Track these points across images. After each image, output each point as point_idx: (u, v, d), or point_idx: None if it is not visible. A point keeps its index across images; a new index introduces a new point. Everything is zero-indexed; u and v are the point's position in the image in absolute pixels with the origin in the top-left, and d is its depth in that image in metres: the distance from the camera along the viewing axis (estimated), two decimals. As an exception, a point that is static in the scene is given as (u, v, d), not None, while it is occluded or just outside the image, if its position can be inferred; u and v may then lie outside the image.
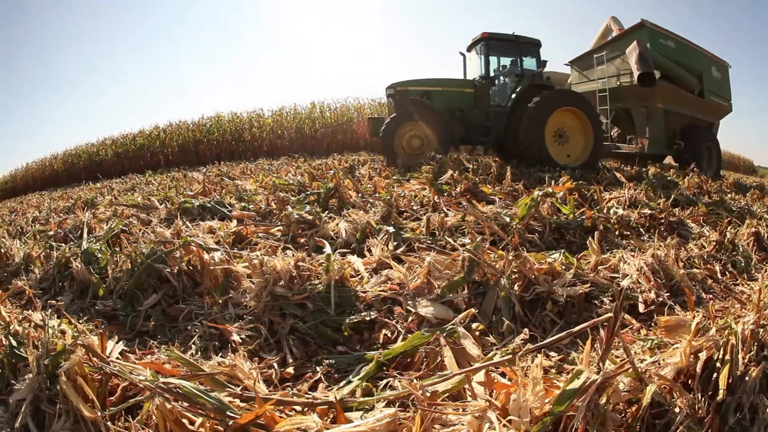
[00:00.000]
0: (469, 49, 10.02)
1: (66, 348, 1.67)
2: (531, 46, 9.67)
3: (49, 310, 2.32)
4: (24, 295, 2.91)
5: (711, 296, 2.62)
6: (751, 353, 1.54)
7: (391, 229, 3.26)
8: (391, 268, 2.54)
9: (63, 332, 1.95)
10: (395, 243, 3.08)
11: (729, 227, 3.67)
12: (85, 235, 3.80)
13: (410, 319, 2.13)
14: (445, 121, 8.91)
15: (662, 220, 4.00)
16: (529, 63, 9.73)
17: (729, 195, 6.19)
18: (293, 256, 2.50)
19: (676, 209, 4.45)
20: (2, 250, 3.78)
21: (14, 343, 1.85)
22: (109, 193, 8.72)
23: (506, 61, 10.03)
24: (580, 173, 6.96)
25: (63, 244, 3.72)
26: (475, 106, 9.36)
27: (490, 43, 9.52)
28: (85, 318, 2.44)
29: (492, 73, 9.74)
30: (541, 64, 9.63)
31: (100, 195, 8.08)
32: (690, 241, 3.59)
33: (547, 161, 8.30)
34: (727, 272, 3.01)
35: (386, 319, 2.16)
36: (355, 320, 2.14)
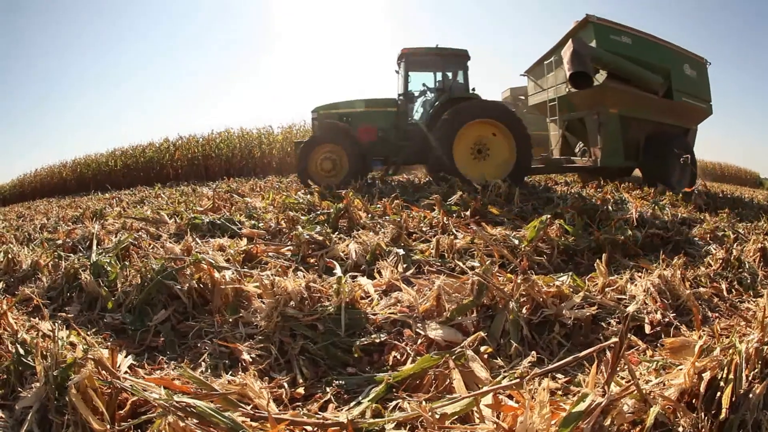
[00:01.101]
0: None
1: (76, 361, 1.69)
2: (457, 58, 9.34)
3: (59, 322, 2.33)
4: (31, 302, 2.94)
5: (717, 314, 2.64)
6: (756, 370, 1.55)
7: (401, 251, 3.28)
8: (401, 290, 2.56)
9: (72, 344, 1.97)
10: (405, 265, 3.11)
11: (735, 244, 3.68)
12: (94, 247, 3.82)
13: (419, 341, 2.15)
14: (362, 143, 8.98)
15: (669, 239, 4.01)
16: (461, 76, 9.47)
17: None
18: (304, 277, 2.52)
19: (684, 227, 4.46)
20: (9, 256, 3.82)
21: (22, 352, 1.86)
22: (118, 205, 8.77)
23: (439, 75, 9.73)
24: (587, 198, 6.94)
25: (71, 255, 3.76)
26: (395, 126, 9.22)
27: (411, 59, 9.36)
28: (93, 330, 2.46)
29: (421, 89, 9.58)
30: (465, 77, 9.33)
31: (108, 206, 8.14)
32: (697, 259, 3.61)
33: (459, 177, 7.91)
34: (733, 289, 3.03)
35: (396, 342, 2.17)
36: (365, 342, 2.15)
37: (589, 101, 9.58)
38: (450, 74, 9.56)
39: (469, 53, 9.38)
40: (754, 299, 2.85)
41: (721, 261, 3.36)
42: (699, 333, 2.06)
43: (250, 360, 2.05)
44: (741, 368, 1.51)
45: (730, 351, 1.59)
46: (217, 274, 2.67)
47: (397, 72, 9.58)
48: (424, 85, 9.61)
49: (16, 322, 2.22)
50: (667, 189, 7.63)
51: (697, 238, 4.14)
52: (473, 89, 9.35)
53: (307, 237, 3.60)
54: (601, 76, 9.21)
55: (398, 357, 2.08)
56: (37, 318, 2.47)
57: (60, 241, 4.49)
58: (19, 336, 1.98)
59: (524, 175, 8.67)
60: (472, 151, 8.61)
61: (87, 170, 24.44)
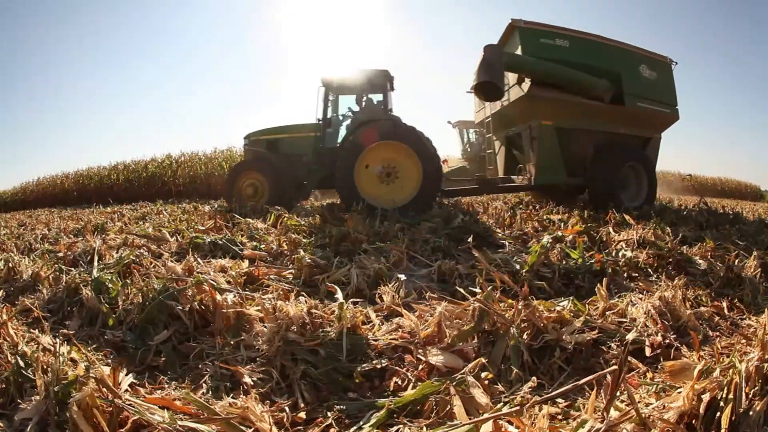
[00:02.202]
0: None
1: (78, 379, 1.71)
2: (377, 80, 9.23)
3: (59, 339, 2.34)
4: (31, 313, 2.95)
5: (718, 333, 2.66)
6: (756, 388, 1.57)
7: (402, 276, 3.30)
8: (402, 316, 2.58)
9: (73, 360, 1.98)
10: (406, 290, 3.13)
11: (736, 260, 3.70)
12: (95, 262, 3.84)
13: (420, 367, 2.16)
14: (283, 169, 9.17)
15: (670, 260, 4.03)
16: (390, 96, 9.46)
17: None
18: (306, 302, 2.53)
19: (684, 246, 4.48)
20: (10, 265, 3.84)
21: (22, 364, 1.88)
22: (119, 220, 8.81)
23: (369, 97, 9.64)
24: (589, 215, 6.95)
25: (72, 269, 3.79)
26: (314, 150, 9.29)
27: (331, 84, 9.37)
28: (94, 346, 2.47)
29: (344, 112, 9.65)
30: (385, 97, 9.29)
31: (110, 220, 8.17)
32: (698, 278, 3.62)
33: (362, 202, 7.90)
34: (734, 307, 3.04)
35: (397, 367, 2.18)
36: (367, 368, 2.16)
37: (523, 114, 8.85)
38: (381, 96, 9.47)
39: (390, 74, 9.31)
40: (755, 316, 2.87)
41: (721, 279, 3.38)
42: (699, 354, 2.08)
43: (252, 383, 2.06)
44: (741, 387, 1.53)
45: (730, 371, 1.61)
46: (219, 297, 2.68)
47: (329, 97, 9.55)
48: (349, 108, 9.68)
49: (16, 333, 2.23)
50: (613, 209, 6.97)
51: (698, 257, 4.15)
52: (390, 110, 9.31)
53: (309, 261, 3.62)
54: (526, 85, 8.37)
55: (399, 383, 2.09)
56: (37, 330, 2.48)
57: (61, 254, 4.52)
58: (19, 348, 2.00)
59: (431, 198, 8.36)
60: (381, 175, 8.47)
61: (89, 182, 24.56)
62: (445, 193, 9.37)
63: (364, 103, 9.45)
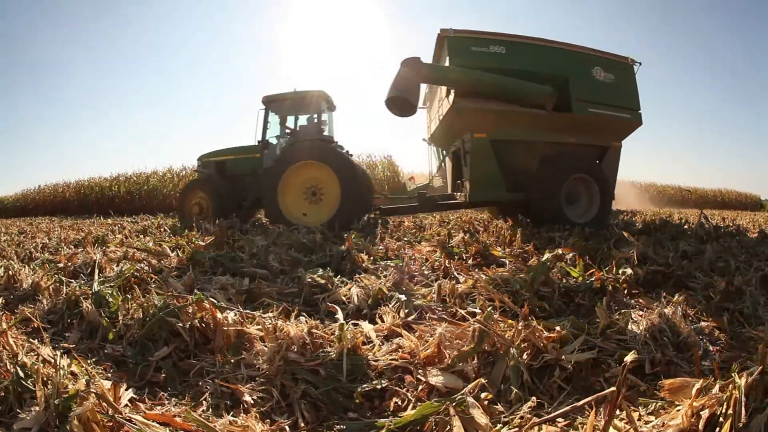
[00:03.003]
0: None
1: (79, 393, 1.71)
2: (313, 100, 9.59)
3: (59, 351, 2.34)
4: (30, 322, 2.96)
5: (718, 348, 2.65)
6: (755, 402, 1.57)
7: (402, 296, 3.31)
8: (403, 336, 2.58)
9: (73, 374, 1.99)
10: (407, 310, 3.13)
11: (737, 273, 3.69)
12: (96, 275, 3.86)
13: (420, 388, 2.16)
14: (226, 190, 9.70)
15: (671, 275, 4.02)
16: (326, 116, 9.95)
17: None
18: (307, 322, 2.55)
19: (684, 261, 4.48)
20: (10, 273, 3.86)
21: (21, 374, 1.88)
22: (120, 232, 8.84)
23: (303, 119, 10.20)
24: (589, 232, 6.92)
25: (72, 280, 3.80)
26: (252, 170, 9.70)
27: (271, 105, 9.87)
28: (93, 359, 2.48)
29: (283, 133, 10.08)
30: (320, 118, 9.73)
31: (111, 232, 8.20)
32: (698, 292, 3.62)
33: (284, 222, 8.09)
34: (735, 320, 3.04)
35: (397, 388, 2.18)
36: (367, 388, 2.17)
37: (455, 128, 8.42)
38: (316, 116, 9.89)
39: (326, 94, 9.66)
40: (755, 329, 2.87)
41: (721, 292, 3.38)
42: (699, 370, 2.08)
43: (252, 402, 2.06)
44: (740, 402, 1.53)
45: (730, 386, 1.61)
46: (219, 315, 2.69)
47: (268, 118, 9.99)
48: (289, 128, 10.13)
49: (15, 343, 2.24)
50: (556, 225, 6.69)
51: (698, 271, 4.15)
52: (322, 130, 9.65)
53: (309, 280, 3.63)
54: (452, 97, 7.94)
55: (399, 403, 2.09)
56: (36, 340, 2.49)
57: (61, 265, 4.54)
58: (19, 358, 2.01)
59: (354, 217, 8.37)
60: (307, 194, 8.76)
61: (90, 193, 24.70)
62: (383, 211, 9.52)
63: (300, 125, 10.01)
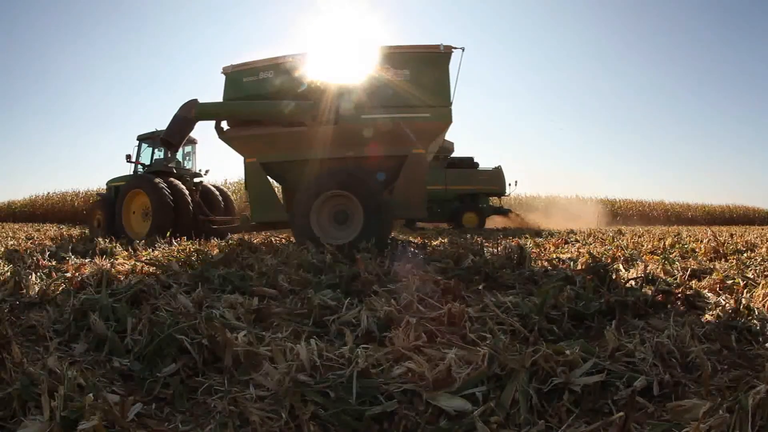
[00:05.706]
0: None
1: (86, 408, 1.71)
2: (158, 141, 11.09)
3: (66, 362, 2.34)
4: (35, 330, 2.97)
5: (726, 366, 2.60)
6: (762, 420, 1.56)
7: (413, 319, 3.29)
8: (412, 360, 2.57)
9: (80, 386, 2.00)
10: (416, 333, 3.11)
11: (745, 291, 3.64)
12: (104, 287, 3.87)
13: (430, 411, 2.15)
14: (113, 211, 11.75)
15: (679, 295, 3.98)
16: (189, 148, 13.07)
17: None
18: (317, 345, 2.55)
19: (693, 280, 4.44)
20: (17, 278, 3.90)
21: (26, 383, 1.89)
22: (129, 245, 8.89)
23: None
24: None
25: (80, 291, 3.81)
26: None
27: (143, 143, 12.73)
28: (100, 372, 2.47)
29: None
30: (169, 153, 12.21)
31: (119, 245, 8.23)
32: (706, 311, 3.57)
33: (125, 237, 10.12)
34: (743, 338, 2.99)
35: (406, 411, 2.17)
36: (376, 411, 2.15)
37: (240, 154, 8.33)
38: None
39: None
40: (763, 346, 2.83)
41: (730, 311, 3.34)
42: (707, 390, 2.07)
43: (260, 422, 2.05)
44: (747, 422, 1.52)
45: (736, 406, 1.60)
46: (228, 334, 2.69)
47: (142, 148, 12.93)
48: (142, 164, 12.86)
49: (21, 350, 2.25)
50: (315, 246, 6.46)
51: (706, 290, 4.10)
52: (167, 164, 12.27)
53: (319, 301, 3.63)
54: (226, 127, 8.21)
55: (408, 426, 2.07)
56: (41, 348, 2.53)
57: (69, 274, 4.55)
58: (25, 367, 2.02)
59: (160, 232, 9.59)
60: (142, 214, 11.06)
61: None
62: (212, 231, 11.00)
63: (155, 158, 12.60)
